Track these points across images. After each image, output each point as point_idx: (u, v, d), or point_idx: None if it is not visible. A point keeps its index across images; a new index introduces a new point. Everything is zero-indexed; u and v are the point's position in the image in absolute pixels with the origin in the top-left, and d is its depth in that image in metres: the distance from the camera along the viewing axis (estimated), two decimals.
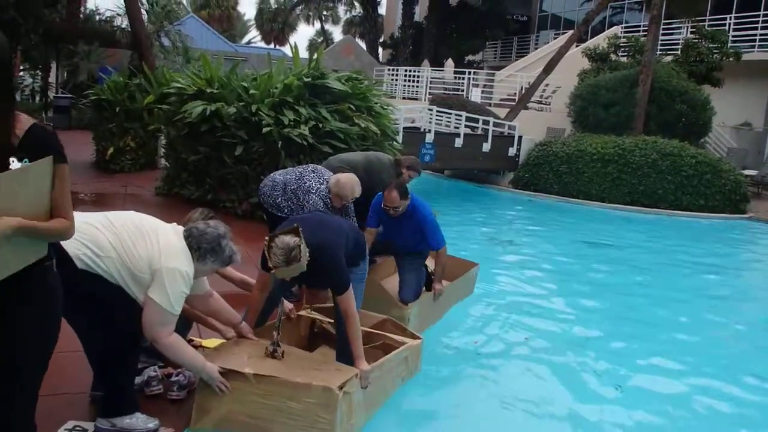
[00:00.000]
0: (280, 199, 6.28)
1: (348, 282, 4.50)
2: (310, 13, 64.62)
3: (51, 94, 27.60)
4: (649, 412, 5.21)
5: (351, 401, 4.08)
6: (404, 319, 5.86)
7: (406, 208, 6.22)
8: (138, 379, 4.14)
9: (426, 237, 6.36)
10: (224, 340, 4.62)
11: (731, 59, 21.72)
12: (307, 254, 4.15)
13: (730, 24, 24.54)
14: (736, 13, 25.04)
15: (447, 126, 19.86)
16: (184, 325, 4.54)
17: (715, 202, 16.11)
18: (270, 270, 4.26)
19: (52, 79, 28.91)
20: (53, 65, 28.31)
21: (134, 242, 3.58)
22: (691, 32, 23.64)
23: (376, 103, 10.36)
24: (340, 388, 3.92)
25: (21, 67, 28.32)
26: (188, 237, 3.76)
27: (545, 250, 11.23)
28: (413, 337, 5.42)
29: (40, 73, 30.10)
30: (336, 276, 4.45)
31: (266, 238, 4.22)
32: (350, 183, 6.10)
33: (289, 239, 4.10)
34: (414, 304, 6.11)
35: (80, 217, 3.62)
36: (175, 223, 3.88)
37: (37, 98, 31.29)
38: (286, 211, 6.23)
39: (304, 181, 6.23)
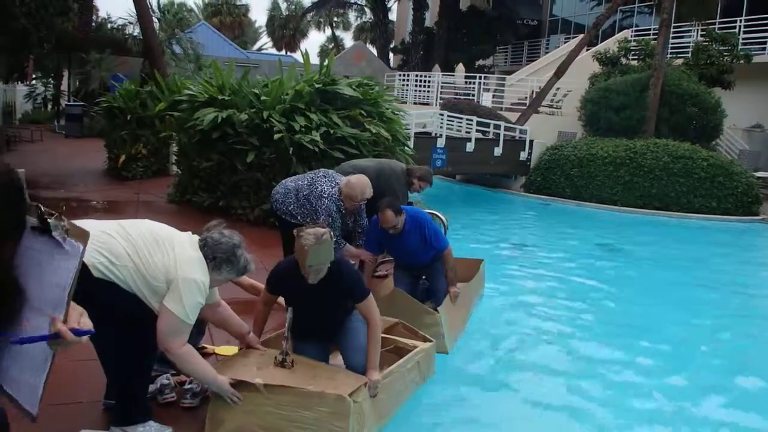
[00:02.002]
0: (292, 206, 6.28)
1: (367, 289, 4.54)
2: (321, 20, 64.71)
3: (63, 102, 27.78)
4: (666, 417, 5.19)
5: (362, 410, 4.08)
6: (437, 324, 5.85)
7: (404, 223, 6.20)
8: (151, 387, 4.15)
9: (429, 240, 6.32)
10: (237, 347, 4.63)
11: (742, 61, 21.60)
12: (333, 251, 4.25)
13: (740, 26, 24.40)
14: (746, 15, 24.89)
15: (458, 131, 19.84)
16: (197, 331, 4.55)
17: (727, 204, 16.02)
18: (273, 291, 4.55)
19: (64, 87, 29.10)
20: (65, 73, 28.49)
21: (150, 251, 3.58)
22: (702, 35, 23.54)
23: (387, 109, 10.37)
24: (350, 396, 3.93)
25: (33, 76, 28.47)
26: (203, 247, 3.75)
27: (560, 254, 11.17)
28: (425, 340, 5.42)
29: (52, 82, 30.30)
30: (355, 284, 4.49)
31: (295, 231, 4.32)
32: (360, 184, 6.09)
33: (319, 228, 4.25)
34: (442, 309, 6.08)
35: (94, 225, 3.63)
36: (189, 232, 3.89)
37: (50, 106, 31.48)
38: (299, 218, 6.23)
39: (316, 186, 6.23)
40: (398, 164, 7.97)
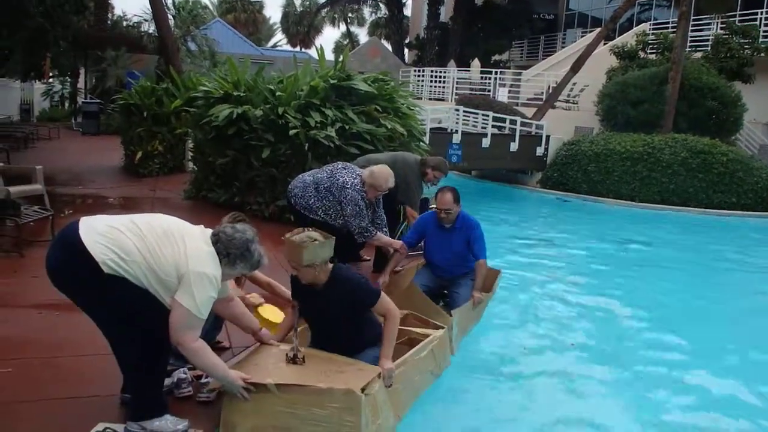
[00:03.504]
0: (312, 200, 6.25)
1: (377, 290, 4.52)
2: (336, 16, 64.84)
3: (80, 99, 27.90)
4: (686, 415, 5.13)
5: (375, 402, 4.04)
6: (448, 325, 5.82)
7: (457, 215, 6.34)
8: (167, 381, 4.13)
9: (472, 245, 6.41)
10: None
11: (763, 54, 21.43)
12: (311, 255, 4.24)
13: (761, 19, 24.18)
14: (767, 8, 24.69)
15: (474, 126, 19.78)
16: (214, 326, 4.54)
17: (747, 200, 15.91)
18: (293, 293, 4.61)
19: (80, 84, 29.24)
20: (82, 71, 28.63)
21: (161, 246, 3.55)
22: (722, 28, 23.38)
23: (403, 104, 10.33)
24: (362, 390, 3.89)
25: (50, 74, 28.65)
26: (216, 242, 3.72)
27: (577, 251, 11.09)
28: (437, 327, 5.39)
29: (69, 80, 30.46)
30: (360, 288, 4.46)
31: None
32: (384, 173, 6.15)
33: (314, 233, 4.33)
34: (455, 312, 6.04)
35: (105, 221, 3.62)
36: (202, 226, 3.86)
37: (67, 104, 31.64)
38: (320, 212, 6.21)
39: (337, 178, 6.23)
40: (412, 156, 7.95)
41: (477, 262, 6.47)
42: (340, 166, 6.46)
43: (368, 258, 7.67)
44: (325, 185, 6.25)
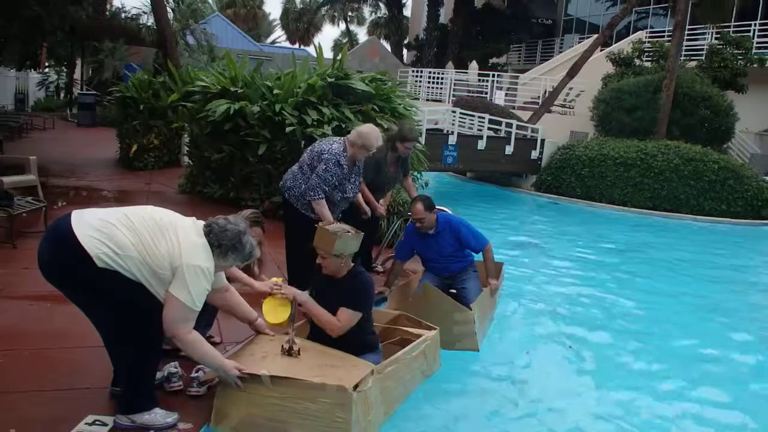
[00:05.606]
0: (303, 187, 6.02)
1: (360, 305, 4.55)
2: (335, 14, 64.71)
3: (76, 90, 27.84)
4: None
5: (367, 398, 4.06)
6: (469, 321, 5.83)
7: (433, 222, 6.35)
8: (158, 375, 4.15)
9: (467, 242, 6.44)
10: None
11: (755, 65, 21.62)
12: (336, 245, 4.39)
13: (754, 30, 24.35)
14: (760, 19, 24.84)
15: (470, 128, 19.83)
16: (205, 323, 4.56)
17: (737, 207, 16.00)
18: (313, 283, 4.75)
19: (77, 75, 29.16)
20: (78, 62, 28.54)
21: (154, 239, 3.57)
22: (716, 38, 23.53)
23: (400, 105, 10.34)
24: (355, 387, 3.91)
25: (46, 64, 28.56)
26: (209, 234, 3.73)
27: (569, 254, 11.11)
28: (429, 328, 5.41)
29: (65, 70, 30.38)
30: (354, 292, 4.55)
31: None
32: (373, 131, 6.02)
33: (346, 226, 4.57)
34: (475, 306, 6.00)
35: (98, 214, 3.62)
36: (194, 218, 3.87)
37: (62, 95, 31.54)
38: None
39: (315, 149, 6.07)
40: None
41: (483, 252, 6.50)
42: (317, 141, 6.35)
43: (382, 269, 7.64)
44: (307, 162, 6.07)
